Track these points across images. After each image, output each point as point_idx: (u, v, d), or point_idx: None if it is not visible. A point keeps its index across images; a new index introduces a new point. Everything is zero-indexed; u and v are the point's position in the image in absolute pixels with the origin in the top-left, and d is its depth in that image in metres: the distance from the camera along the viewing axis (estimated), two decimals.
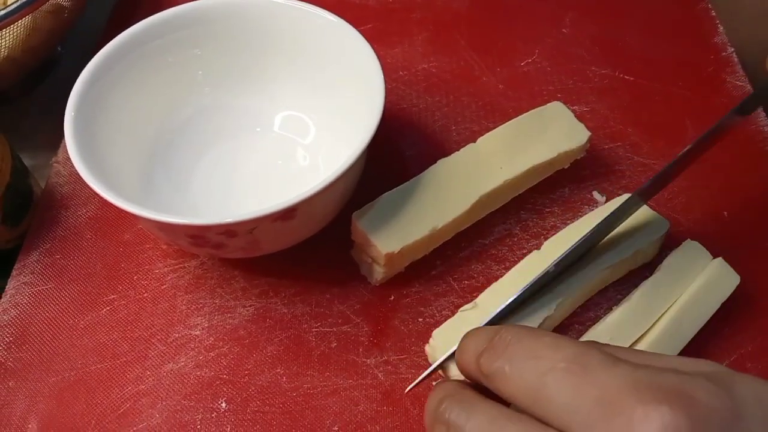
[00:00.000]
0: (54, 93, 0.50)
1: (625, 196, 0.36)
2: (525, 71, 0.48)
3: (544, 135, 0.39)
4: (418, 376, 0.30)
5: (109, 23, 0.52)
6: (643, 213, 0.36)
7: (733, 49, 0.49)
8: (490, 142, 0.38)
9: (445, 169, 0.37)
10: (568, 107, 0.40)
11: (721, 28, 0.50)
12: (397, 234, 0.34)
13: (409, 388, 0.31)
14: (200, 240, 0.33)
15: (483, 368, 0.24)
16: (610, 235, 0.35)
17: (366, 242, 0.35)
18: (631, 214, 0.35)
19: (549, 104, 0.40)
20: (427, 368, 0.30)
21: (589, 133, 0.39)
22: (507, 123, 0.39)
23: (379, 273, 0.36)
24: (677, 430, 0.19)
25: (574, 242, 0.33)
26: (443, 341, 0.32)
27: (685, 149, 0.33)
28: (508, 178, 0.37)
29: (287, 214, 0.31)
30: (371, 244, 0.34)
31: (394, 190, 0.36)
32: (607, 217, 0.33)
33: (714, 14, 0.51)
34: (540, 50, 0.49)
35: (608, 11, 0.52)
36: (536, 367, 0.22)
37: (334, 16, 0.38)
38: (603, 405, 0.20)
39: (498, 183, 0.37)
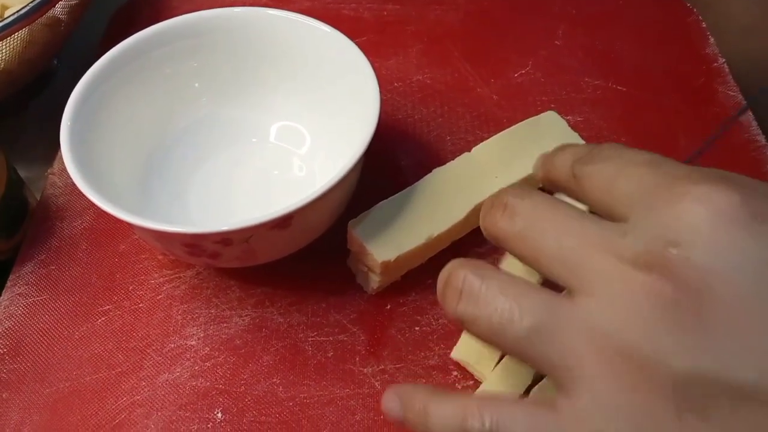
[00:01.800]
0: (50, 106, 0.50)
1: None
2: (519, 82, 0.48)
3: (538, 144, 0.39)
4: (417, 383, 0.30)
5: (105, 36, 0.52)
6: None
7: (724, 60, 0.49)
8: (485, 151, 0.39)
9: (441, 178, 0.37)
10: (562, 117, 0.40)
11: (712, 39, 0.51)
12: (392, 242, 0.34)
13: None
14: (196, 249, 0.33)
15: (575, 169, 0.25)
16: None
17: (362, 251, 0.35)
18: None
19: (543, 114, 0.41)
20: (424, 377, 0.30)
21: (584, 143, 0.39)
22: (502, 132, 0.39)
23: (375, 282, 0.36)
24: (729, 203, 0.20)
25: None
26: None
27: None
28: (504, 186, 0.37)
29: (283, 222, 0.31)
30: (367, 252, 0.34)
31: (390, 198, 0.36)
32: None
33: (704, 26, 0.52)
34: (533, 62, 0.49)
35: (600, 23, 0.52)
36: (617, 164, 0.24)
37: (330, 27, 0.38)
38: (663, 188, 0.22)
39: (493, 192, 0.37)
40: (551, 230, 0.23)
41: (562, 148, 0.28)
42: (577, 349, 0.21)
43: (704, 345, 0.19)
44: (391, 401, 0.26)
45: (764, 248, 0.20)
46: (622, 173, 0.23)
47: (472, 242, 0.39)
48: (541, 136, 0.39)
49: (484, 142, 0.39)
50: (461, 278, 0.24)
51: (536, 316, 0.22)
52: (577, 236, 0.22)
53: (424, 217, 0.35)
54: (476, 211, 0.37)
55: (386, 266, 0.34)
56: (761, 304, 0.19)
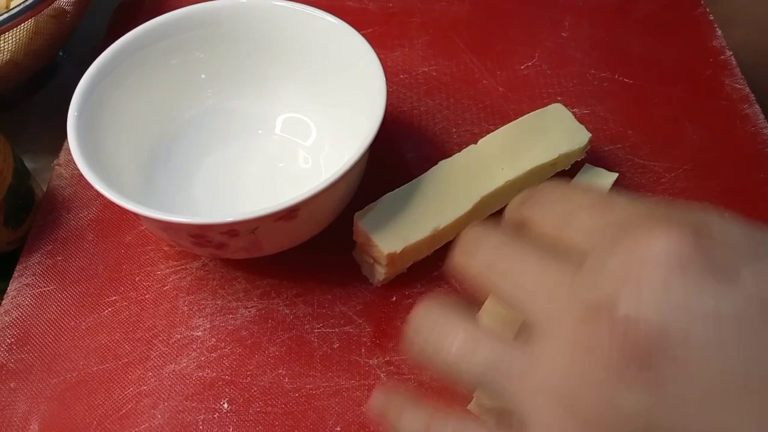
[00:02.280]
0: (56, 98, 0.50)
1: None
2: (525, 74, 0.48)
3: (545, 136, 0.39)
4: (421, 377, 0.30)
5: (110, 28, 0.52)
6: None
7: (731, 53, 0.49)
8: (491, 143, 0.38)
9: (447, 170, 0.37)
10: (568, 109, 0.40)
11: (719, 31, 0.50)
12: (398, 234, 0.34)
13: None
14: (202, 240, 0.33)
15: (523, 212, 0.25)
16: None
17: (368, 242, 0.35)
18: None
19: (550, 106, 0.40)
20: (429, 369, 0.30)
21: (590, 135, 0.39)
22: (508, 124, 0.39)
23: (380, 274, 0.36)
24: (680, 254, 0.18)
25: None
26: None
27: None
28: (509, 179, 0.37)
29: (289, 213, 0.31)
30: (373, 244, 0.34)
31: (396, 190, 0.36)
32: None
33: (712, 18, 0.51)
34: (539, 53, 0.49)
35: (606, 15, 0.52)
36: (567, 206, 0.23)
37: (336, 19, 0.38)
38: (616, 228, 0.20)
39: (499, 184, 0.37)
40: (509, 271, 0.23)
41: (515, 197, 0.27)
42: (526, 400, 0.21)
43: (654, 403, 0.18)
44: (377, 399, 0.26)
45: (720, 304, 0.18)
46: (571, 218, 0.23)
47: None
48: (547, 128, 0.39)
49: (490, 134, 0.39)
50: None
51: (487, 356, 0.22)
52: (532, 280, 0.22)
53: (430, 210, 0.35)
54: (482, 204, 0.37)
55: (392, 258, 0.34)
56: (716, 368, 0.18)
